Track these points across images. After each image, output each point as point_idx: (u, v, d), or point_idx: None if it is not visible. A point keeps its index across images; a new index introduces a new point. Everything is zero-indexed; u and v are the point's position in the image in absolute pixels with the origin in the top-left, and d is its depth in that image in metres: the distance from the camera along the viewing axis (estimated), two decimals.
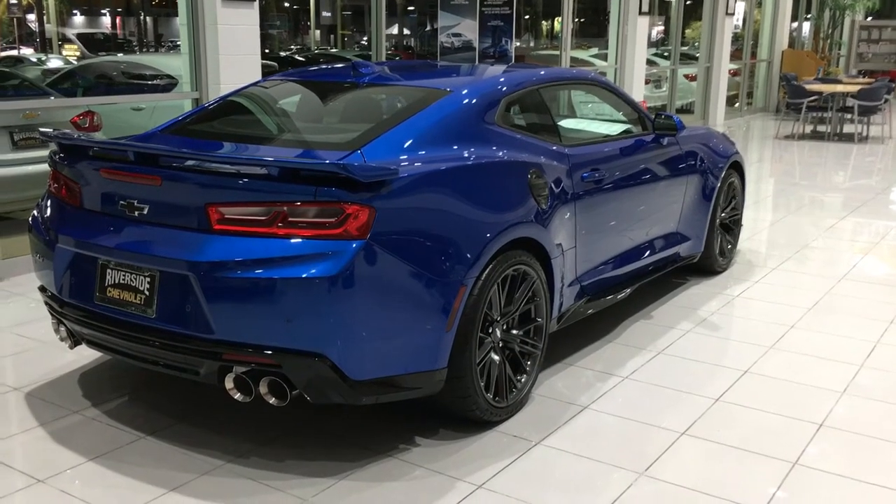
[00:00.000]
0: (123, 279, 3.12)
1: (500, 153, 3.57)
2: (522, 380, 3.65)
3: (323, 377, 2.92)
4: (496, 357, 3.49)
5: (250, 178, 2.96)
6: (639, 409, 3.69)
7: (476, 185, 3.34)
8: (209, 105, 4.10)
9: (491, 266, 3.33)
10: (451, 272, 3.14)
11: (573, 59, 14.02)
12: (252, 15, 6.52)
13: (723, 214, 5.78)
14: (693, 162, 5.25)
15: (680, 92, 15.93)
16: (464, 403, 3.37)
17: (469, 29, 8.51)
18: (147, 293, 3.06)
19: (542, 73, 4.31)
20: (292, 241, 2.89)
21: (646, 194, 4.71)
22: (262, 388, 2.98)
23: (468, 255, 3.20)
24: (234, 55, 6.48)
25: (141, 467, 3.13)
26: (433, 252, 3.10)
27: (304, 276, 2.83)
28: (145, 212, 3.11)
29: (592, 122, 5.12)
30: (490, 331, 3.45)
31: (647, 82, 15.90)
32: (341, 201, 2.89)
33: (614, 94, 4.80)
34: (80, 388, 3.82)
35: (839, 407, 3.75)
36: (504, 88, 3.90)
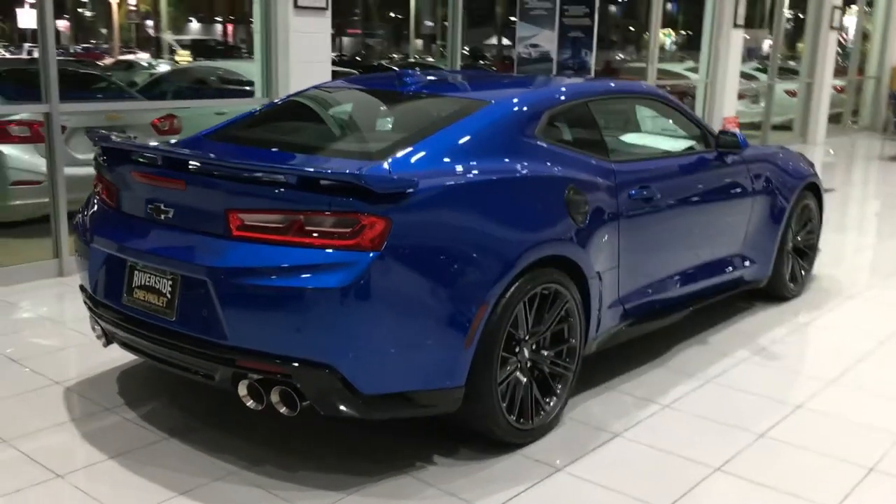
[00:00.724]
0: (148, 281, 3.16)
1: (536, 168, 3.46)
2: (551, 402, 3.53)
3: (333, 389, 2.88)
4: (522, 377, 3.38)
5: (269, 186, 2.95)
6: (674, 440, 3.52)
7: (504, 201, 3.24)
8: (256, 111, 4.12)
9: (518, 284, 3.23)
10: (472, 289, 3.06)
11: (663, 72, 13.74)
12: (324, 23, 6.58)
13: (797, 238, 5.50)
14: (761, 182, 5.01)
15: (779, 108, 15.43)
16: (483, 423, 3.27)
17: (547, 40, 8.39)
18: (169, 296, 3.08)
19: (592, 85, 4.19)
20: (306, 250, 2.86)
21: (704, 214, 4.52)
22: (274, 397, 2.96)
23: (491, 272, 3.11)
24: (306, 62, 6.55)
25: (157, 468, 3.15)
26: (453, 267, 3.02)
27: (314, 286, 2.80)
28: (171, 215, 3.14)
29: (652, 137, 4.94)
30: (516, 350, 3.35)
31: (742, 97, 15.45)
32: (357, 212, 2.84)
33: (673, 109, 4.62)
34: (118, 385, 3.89)
35: (895, 451, 3.48)
36: (548, 101, 3.79)
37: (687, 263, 4.45)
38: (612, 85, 4.37)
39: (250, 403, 3.03)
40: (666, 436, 3.55)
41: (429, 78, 4.02)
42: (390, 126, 3.72)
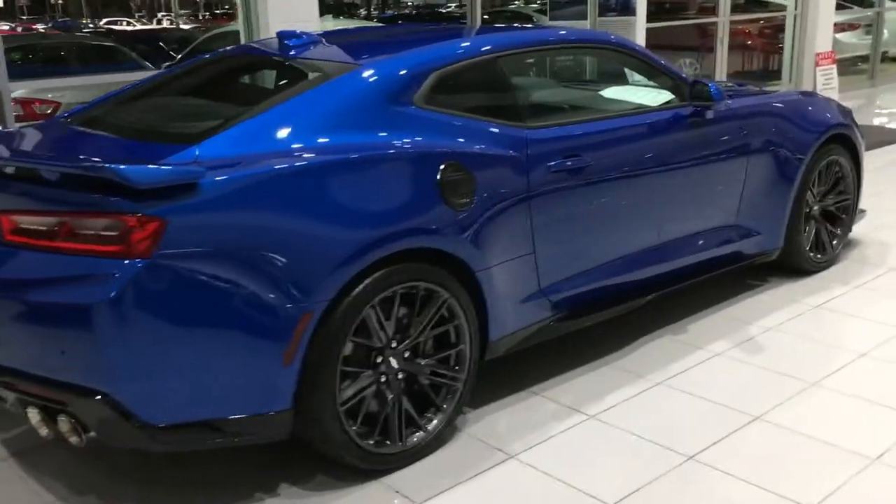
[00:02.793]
0: None
1: (399, 144, 2.89)
2: (434, 419, 3.00)
3: (111, 419, 2.46)
4: (388, 393, 2.87)
5: (40, 183, 2.53)
6: (577, 465, 2.93)
7: (339, 188, 2.70)
8: (127, 88, 3.68)
9: (363, 286, 2.70)
10: (288, 296, 2.55)
11: (757, 3, 12.46)
12: None
13: (824, 201, 4.67)
14: (760, 139, 4.22)
15: None
16: (328, 449, 2.79)
17: None
18: None
19: (505, 38, 3.51)
20: (71, 258, 2.43)
21: (674, 181, 3.81)
22: (63, 426, 2.57)
23: (315, 275, 2.59)
24: (289, 22, 6.06)
25: None
26: (260, 272, 2.52)
27: (72, 300, 2.38)
28: None
29: (617, 94, 4.22)
30: (376, 361, 2.83)
31: (854, 27, 13.95)
32: (122, 212, 2.38)
33: (633, 57, 3.87)
34: None
35: (858, 482, 2.77)
36: (436, 61, 3.18)
37: (647, 242, 3.77)
38: (536, 35, 3.63)
39: (43, 432, 2.65)
40: (568, 458, 2.97)
41: (316, 40, 3.46)
42: (237, 100, 3.21)
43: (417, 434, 2.96)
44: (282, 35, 3.47)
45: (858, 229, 5.28)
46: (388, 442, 2.89)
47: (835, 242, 4.83)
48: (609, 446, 3.04)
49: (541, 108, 3.72)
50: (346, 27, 10.61)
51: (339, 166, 2.70)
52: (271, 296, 2.52)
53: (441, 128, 3.04)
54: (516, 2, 20.70)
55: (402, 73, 3.06)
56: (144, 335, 2.41)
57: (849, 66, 13.43)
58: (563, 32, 3.70)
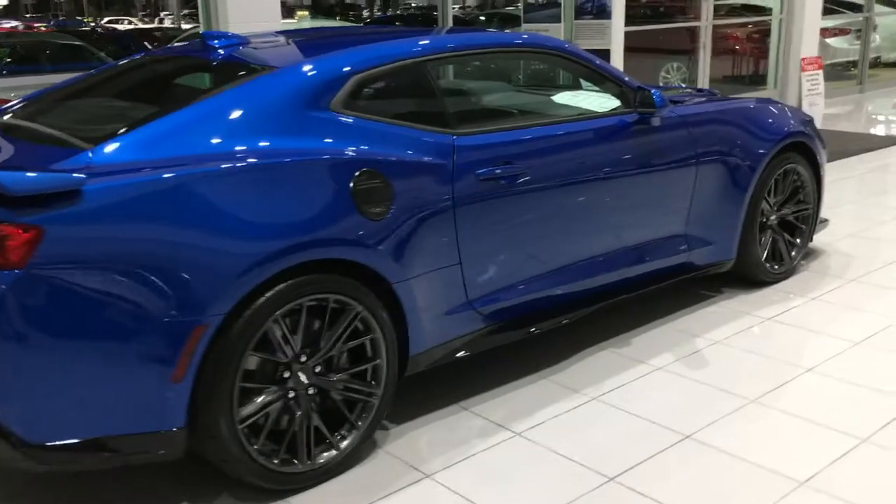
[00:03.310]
0: None
1: (310, 150, 2.77)
2: (348, 436, 2.89)
3: None
4: (297, 409, 2.76)
5: None
6: (495, 485, 2.82)
7: (233, 197, 2.58)
8: (55, 87, 3.57)
9: (265, 298, 2.59)
10: (178, 310, 2.44)
11: (746, 7, 12.32)
12: None
13: (782, 210, 4.55)
14: (711, 146, 4.10)
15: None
16: (227, 468, 2.68)
17: None
18: None
19: (438, 41, 3.39)
20: None
21: (616, 190, 3.69)
22: None
23: (208, 289, 2.48)
24: (248, 22, 5.96)
25: None
26: (147, 284, 2.41)
27: None
28: None
29: (560, 99, 4.10)
30: (283, 376, 2.72)
31: (846, 32, 13.84)
32: None
33: (573, 62, 3.75)
34: None
35: None
36: (358, 64, 3.06)
37: (587, 252, 3.66)
38: (470, 39, 3.52)
39: None
40: (489, 480, 2.86)
41: (244, 41, 3.34)
42: (148, 103, 3.09)
43: (328, 452, 2.85)
44: (206, 36, 3.36)
45: (822, 239, 5.17)
46: (295, 461, 2.77)
47: (793, 253, 4.72)
48: (531, 466, 2.93)
49: (474, 114, 3.61)
50: (298, 28, 10.53)
51: (237, 174, 2.59)
52: (159, 309, 2.41)
53: (359, 134, 2.93)
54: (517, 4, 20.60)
55: (318, 76, 2.95)
56: (21, 350, 2.30)
57: (841, 72, 13.32)
58: (499, 36, 3.59)
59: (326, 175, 2.76)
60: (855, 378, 3.49)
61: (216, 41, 3.32)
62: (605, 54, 7.73)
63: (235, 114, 2.77)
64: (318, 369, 2.82)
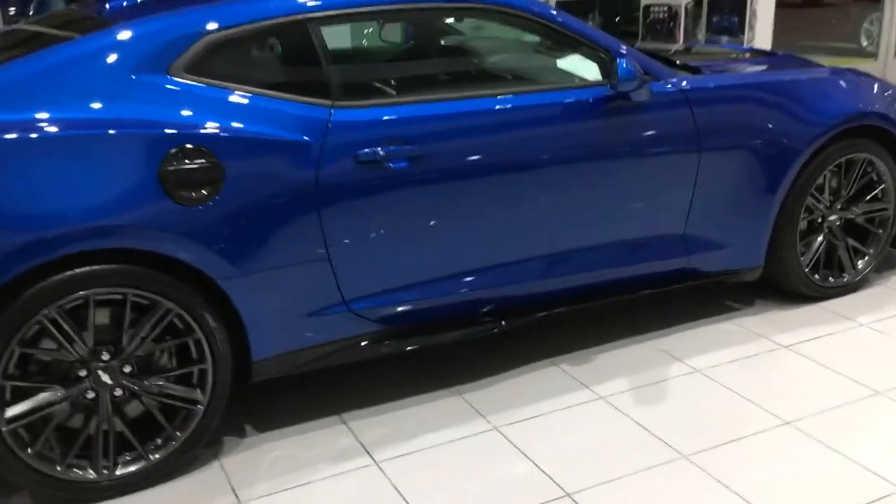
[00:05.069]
0: None
1: (111, 121, 2.42)
2: (164, 448, 2.58)
3: None
4: (95, 414, 2.49)
5: None
6: None
7: (7, 172, 2.29)
8: None
9: (34, 290, 2.31)
10: None
11: None
12: None
13: (848, 210, 3.71)
14: (723, 128, 3.33)
15: None
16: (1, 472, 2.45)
17: None
18: None
19: None
20: None
21: (564, 181, 3.08)
22: None
23: None
24: None
25: None
26: None
27: None
28: None
29: (507, 67, 3.45)
30: (76, 374, 2.45)
31: None
32: None
33: (530, 21, 3.10)
34: None
35: None
36: (209, 24, 2.65)
37: (518, 253, 3.07)
38: None
39: None
40: None
41: (141, 2, 3.01)
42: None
43: (136, 463, 2.55)
44: None
45: None
46: (90, 469, 2.49)
47: (860, 263, 3.81)
48: (375, 501, 2.49)
49: (373, 84, 3.08)
50: None
51: (19, 146, 2.29)
52: None
53: (194, 103, 2.55)
54: None
55: (155, 36, 2.58)
56: None
57: None
58: None
59: (126, 151, 2.41)
60: (848, 447, 2.70)
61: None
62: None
63: (49, 77, 2.47)
64: (127, 369, 2.50)
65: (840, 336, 3.43)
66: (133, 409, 2.57)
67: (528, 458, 2.68)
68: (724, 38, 7.34)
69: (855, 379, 3.08)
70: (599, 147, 3.10)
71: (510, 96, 2.98)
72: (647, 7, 7.24)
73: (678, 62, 3.63)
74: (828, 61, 8.58)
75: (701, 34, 7.52)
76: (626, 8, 8.24)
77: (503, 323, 3.07)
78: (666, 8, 7.06)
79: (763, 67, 3.74)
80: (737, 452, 2.68)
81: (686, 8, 7.06)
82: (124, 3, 3.03)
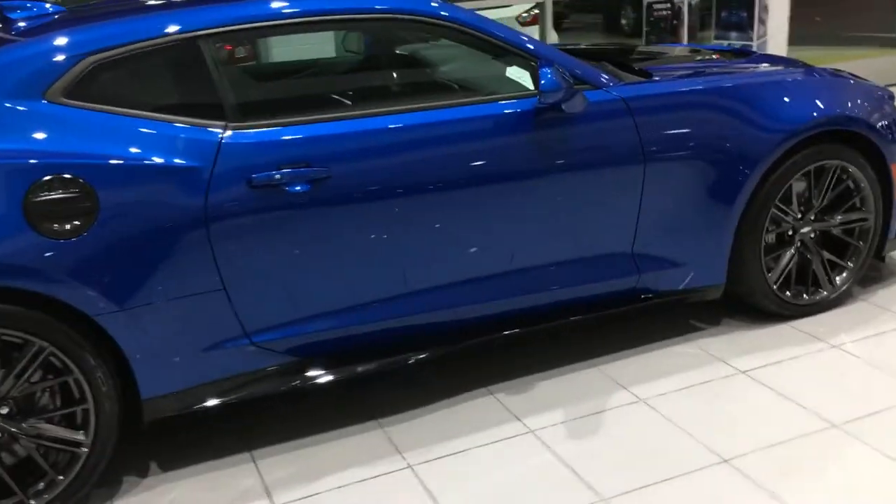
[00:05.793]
0: None
1: None
2: (47, 494, 2.46)
3: None
4: None
5: None
6: None
7: None
8: None
9: None
10: None
11: None
12: None
13: (822, 221, 3.45)
14: (672, 139, 3.10)
15: None
16: None
17: None
18: None
19: (218, 13, 2.69)
20: None
21: (482, 202, 2.87)
22: None
23: None
24: None
25: None
26: None
27: None
28: None
29: (429, 80, 3.26)
30: None
31: None
32: None
33: (450, 30, 2.90)
34: None
35: None
36: (88, 45, 2.51)
37: (437, 278, 2.88)
38: (266, 8, 2.69)
39: None
40: None
41: (45, 12, 2.89)
42: None
43: None
44: (2, 6, 2.96)
45: None
46: None
47: (839, 278, 3.53)
48: None
49: (273, 103, 2.93)
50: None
51: None
52: None
53: (69, 130, 2.42)
54: None
55: (24, 60, 2.46)
56: None
57: None
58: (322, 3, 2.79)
59: None
60: (785, 491, 2.46)
61: (14, 13, 2.91)
62: None
63: None
64: (4, 410, 2.38)
65: (806, 360, 3.16)
66: (15, 451, 2.44)
67: (435, 501, 2.49)
68: (733, 35, 7.03)
69: (811, 409, 2.83)
70: (529, 162, 2.90)
71: (427, 111, 2.79)
72: (650, 4, 6.98)
73: (636, 67, 3.40)
74: (860, 53, 8.25)
75: (711, 31, 7.22)
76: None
77: (428, 352, 2.88)
78: (668, 5, 6.78)
79: (723, 71, 3.48)
80: (661, 495, 2.45)
81: (689, 4, 6.77)
82: (33, 22, 2.90)
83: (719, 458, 2.60)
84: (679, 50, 4.31)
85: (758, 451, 2.62)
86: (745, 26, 6.97)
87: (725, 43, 6.92)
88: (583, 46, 4.19)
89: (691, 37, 6.90)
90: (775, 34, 6.97)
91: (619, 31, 11.90)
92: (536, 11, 6.82)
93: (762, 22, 6.96)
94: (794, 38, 8.60)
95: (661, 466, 2.58)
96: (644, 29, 7.08)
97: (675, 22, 6.81)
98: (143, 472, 2.72)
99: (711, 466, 2.57)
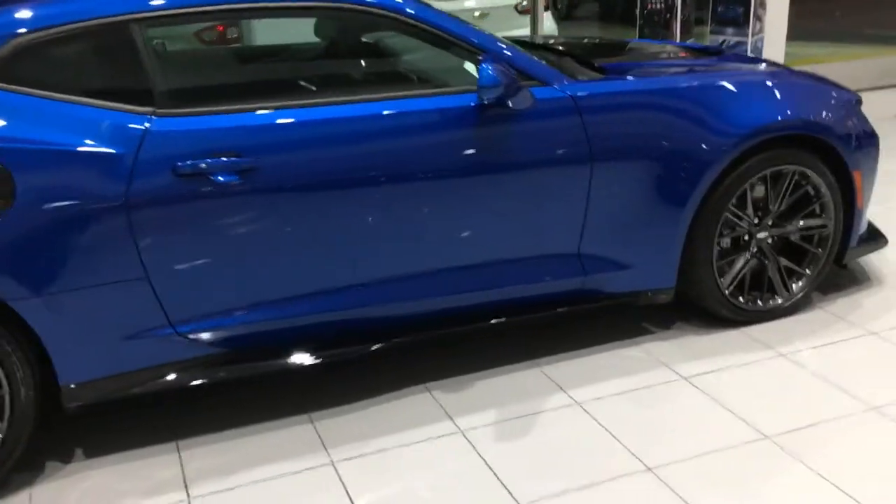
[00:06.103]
0: None
1: None
2: None
3: None
4: None
5: None
6: None
7: None
8: None
9: None
10: None
11: None
12: None
13: (780, 227, 3.40)
14: (622, 140, 3.05)
15: None
16: None
17: None
18: None
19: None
20: None
21: (418, 196, 2.83)
22: None
23: None
24: None
25: None
26: None
27: None
28: None
29: (372, 72, 3.20)
30: None
31: None
32: None
33: (395, 21, 2.85)
34: None
35: None
36: (14, 26, 2.48)
37: (373, 273, 2.84)
38: None
39: None
40: None
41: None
42: None
43: None
44: None
45: (879, 264, 3.82)
46: None
47: (796, 286, 3.47)
48: None
49: (206, 90, 2.88)
50: None
51: None
52: None
53: None
54: None
55: None
56: None
57: None
58: None
59: None
60: (703, 502, 2.42)
61: None
62: None
63: None
64: None
65: (751, 367, 3.11)
66: None
67: (351, 501, 2.46)
68: (729, 31, 6.92)
69: (744, 419, 2.78)
70: (472, 158, 2.85)
71: (365, 104, 2.75)
72: None
73: (595, 64, 3.34)
74: (876, 51, 8.09)
75: (706, 26, 7.11)
76: None
77: (364, 347, 2.86)
78: None
79: (683, 70, 3.42)
80: (577, 502, 2.41)
81: None
82: None
83: (644, 466, 2.56)
84: (654, 47, 4.23)
85: (684, 460, 2.58)
86: (740, 21, 6.86)
87: (720, 39, 6.82)
88: (552, 41, 4.10)
89: (686, 31, 6.79)
90: (772, 30, 6.86)
91: (632, 22, 11.78)
92: None
93: (758, 18, 6.84)
94: (809, 35, 8.45)
95: (583, 472, 2.54)
96: (638, 22, 6.98)
97: (668, 16, 6.70)
98: (67, 458, 2.70)
99: (634, 474, 2.53)
